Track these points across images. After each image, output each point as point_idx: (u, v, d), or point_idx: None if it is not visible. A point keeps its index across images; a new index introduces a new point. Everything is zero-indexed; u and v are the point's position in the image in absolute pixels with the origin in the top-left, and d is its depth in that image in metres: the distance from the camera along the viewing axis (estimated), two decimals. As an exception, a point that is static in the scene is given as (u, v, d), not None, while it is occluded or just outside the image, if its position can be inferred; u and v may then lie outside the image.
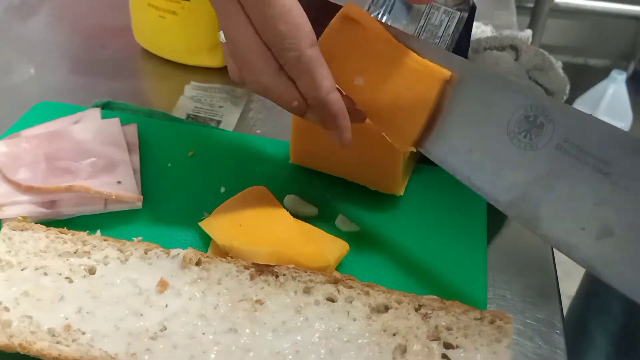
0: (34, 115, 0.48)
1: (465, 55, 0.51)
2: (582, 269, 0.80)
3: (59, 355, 0.28)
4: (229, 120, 0.52)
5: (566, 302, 0.79)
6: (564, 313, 0.77)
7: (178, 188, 0.42)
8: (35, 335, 0.29)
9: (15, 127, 0.46)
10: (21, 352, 0.28)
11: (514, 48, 0.53)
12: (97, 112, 0.46)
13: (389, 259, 0.37)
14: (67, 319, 0.29)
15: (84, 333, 0.29)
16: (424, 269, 0.36)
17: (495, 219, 0.42)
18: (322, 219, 0.40)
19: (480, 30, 0.61)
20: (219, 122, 0.51)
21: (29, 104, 0.49)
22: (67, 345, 0.28)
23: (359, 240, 0.38)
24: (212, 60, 0.57)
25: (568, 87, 0.62)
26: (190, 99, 0.54)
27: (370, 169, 0.40)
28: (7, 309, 0.30)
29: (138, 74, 0.59)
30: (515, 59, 0.53)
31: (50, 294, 0.30)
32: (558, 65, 0.56)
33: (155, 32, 0.58)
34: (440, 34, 0.50)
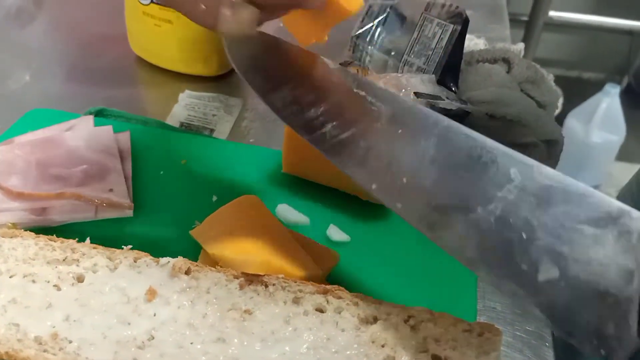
0: (27, 122, 0.48)
1: (458, 68, 0.52)
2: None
3: (46, 364, 0.28)
4: (222, 128, 0.52)
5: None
6: None
7: (170, 196, 0.42)
8: (22, 344, 0.28)
9: (8, 134, 0.46)
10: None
11: (506, 61, 0.54)
12: (90, 119, 0.46)
13: (379, 270, 0.37)
14: (54, 327, 0.29)
15: (70, 342, 0.29)
16: (414, 279, 0.36)
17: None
18: (314, 229, 0.40)
19: (474, 43, 0.61)
20: (212, 130, 0.51)
21: (23, 111, 0.49)
22: (54, 354, 0.28)
23: (349, 250, 0.38)
24: (207, 69, 0.58)
25: (561, 100, 0.62)
26: (184, 107, 0.54)
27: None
28: (-6, 317, 0.29)
29: (133, 82, 0.59)
30: (508, 72, 0.53)
31: (38, 302, 0.30)
32: (550, 78, 0.57)
33: (151, 41, 0.58)
34: (433, 46, 0.50)
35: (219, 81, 0.58)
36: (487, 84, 0.52)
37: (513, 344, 0.36)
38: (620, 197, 0.72)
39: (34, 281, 0.31)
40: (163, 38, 0.56)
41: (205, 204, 0.41)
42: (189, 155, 0.46)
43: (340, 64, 0.47)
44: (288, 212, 0.41)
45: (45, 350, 0.28)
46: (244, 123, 0.53)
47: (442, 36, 0.50)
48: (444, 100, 0.43)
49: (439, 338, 0.30)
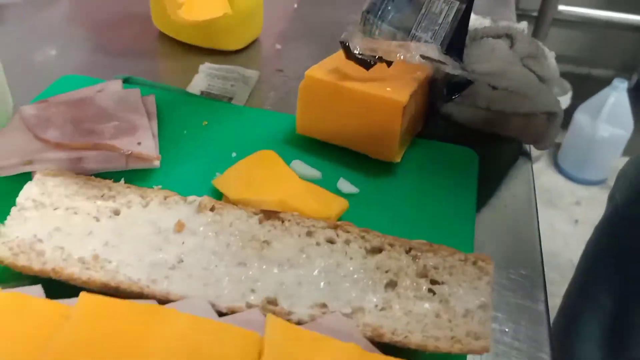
0: (59, 86, 0.51)
1: (463, 43, 0.55)
2: (572, 269, 0.81)
3: (88, 279, 0.31)
4: (240, 97, 0.55)
5: (557, 302, 0.81)
6: (557, 310, 0.79)
7: (192, 152, 0.45)
8: (66, 262, 0.32)
9: (42, 96, 0.49)
10: (53, 277, 0.32)
11: (510, 37, 0.57)
12: (118, 82, 0.50)
13: (385, 217, 0.40)
14: (95, 250, 0.33)
15: (110, 262, 0.32)
16: (417, 224, 0.40)
17: (484, 188, 0.45)
18: (325, 182, 0.43)
19: (479, 22, 0.64)
20: (230, 98, 0.55)
21: (51, 81, 0.52)
22: (96, 272, 0.32)
23: (358, 200, 0.42)
24: (226, 44, 0.61)
25: (569, 95, 0.64)
26: (204, 77, 0.57)
27: (369, 138, 0.44)
28: (41, 241, 0.33)
29: (156, 56, 0.63)
30: (510, 47, 0.56)
31: (80, 230, 0.34)
32: (551, 54, 0.59)
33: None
34: (440, 21, 0.53)
35: (237, 55, 0.62)
36: (490, 57, 0.55)
37: (507, 286, 0.39)
38: (619, 177, 0.75)
39: (75, 213, 0.35)
40: (185, 13, 0.60)
41: (225, 158, 0.45)
42: (210, 117, 0.49)
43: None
44: (301, 167, 0.44)
45: (88, 268, 0.32)
46: (260, 93, 0.57)
47: (448, 13, 0.53)
48: (448, 65, 0.46)
49: (437, 266, 0.33)
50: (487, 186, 0.46)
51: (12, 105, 0.49)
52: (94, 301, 0.27)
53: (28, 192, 0.36)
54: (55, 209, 0.35)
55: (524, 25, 0.62)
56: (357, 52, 0.41)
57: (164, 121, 0.48)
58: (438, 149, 0.47)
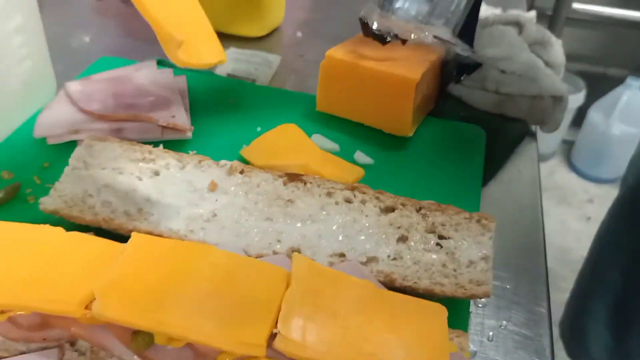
0: (99, 66, 0.56)
1: (474, 30, 0.58)
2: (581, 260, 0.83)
3: (134, 228, 0.35)
4: (263, 80, 0.59)
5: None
6: (569, 294, 0.81)
7: (221, 126, 0.49)
8: (114, 214, 0.36)
9: (84, 74, 0.54)
10: (103, 226, 0.36)
11: (518, 24, 0.60)
12: (153, 63, 0.54)
13: (398, 184, 0.44)
14: (139, 204, 0.37)
15: (152, 214, 0.36)
16: (427, 193, 0.43)
17: (491, 163, 0.49)
18: (343, 154, 0.47)
19: (491, 12, 0.68)
20: (254, 80, 0.59)
21: (86, 64, 0.57)
22: (140, 223, 0.36)
23: (373, 170, 0.45)
24: (249, 31, 0.65)
25: (583, 92, 0.66)
26: (230, 61, 0.61)
27: (384, 113, 0.47)
28: (91, 196, 0.37)
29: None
30: (519, 34, 0.60)
31: (125, 187, 0.38)
32: (558, 42, 0.63)
33: (201, 5, 0.66)
34: (452, 8, 0.57)
35: (260, 41, 0.66)
36: (499, 43, 0.58)
37: (510, 248, 0.42)
38: (632, 160, 0.77)
39: (120, 173, 0.39)
40: (212, 2, 0.64)
41: (251, 132, 0.49)
42: (236, 96, 0.53)
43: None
44: (321, 140, 0.48)
45: (133, 220, 0.36)
46: (281, 75, 0.61)
47: (460, 1, 0.57)
48: (458, 46, 0.50)
49: (444, 223, 0.36)
50: (494, 161, 0.49)
51: (55, 83, 0.53)
52: (144, 239, 0.31)
53: (79, 155, 0.40)
54: (102, 169, 0.39)
55: (532, 14, 0.65)
56: (374, 28, 0.45)
57: (195, 99, 0.52)
58: (448, 126, 0.51)
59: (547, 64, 0.60)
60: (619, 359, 0.74)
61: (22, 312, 0.28)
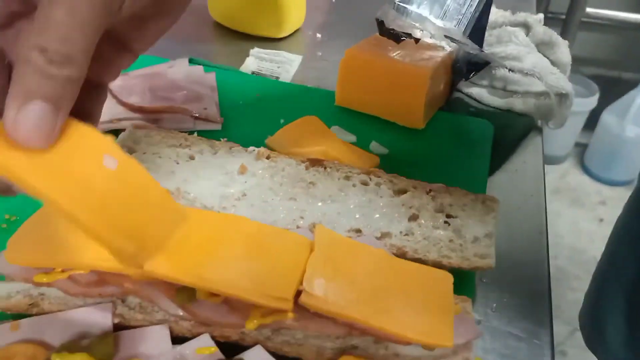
0: (136, 64, 0.60)
1: (483, 32, 0.62)
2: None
3: (173, 205, 0.40)
4: (285, 77, 0.64)
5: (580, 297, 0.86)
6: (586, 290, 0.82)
7: (247, 118, 0.54)
8: (155, 192, 0.41)
9: (123, 71, 0.58)
10: (145, 203, 0.40)
11: (526, 25, 0.64)
12: (185, 61, 0.59)
13: (410, 171, 0.47)
14: (177, 184, 0.41)
15: (189, 193, 0.41)
16: (437, 179, 0.47)
17: (498, 155, 0.52)
18: (359, 144, 0.51)
19: (500, 14, 0.71)
20: (277, 78, 0.63)
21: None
22: (178, 200, 0.40)
23: (387, 159, 0.49)
24: (272, 32, 0.70)
25: (597, 96, 0.68)
26: (254, 60, 0.66)
27: (399, 106, 0.51)
28: (134, 176, 0.42)
29: (212, 42, 0.72)
30: (527, 35, 0.63)
31: (164, 169, 0.43)
32: (564, 43, 0.66)
33: (227, 8, 0.70)
34: (463, 11, 0.60)
35: (282, 41, 0.70)
36: (508, 43, 0.62)
37: (515, 225, 0.46)
38: None
39: (160, 157, 0.44)
40: (238, 6, 0.68)
41: (275, 124, 0.53)
42: (261, 91, 0.58)
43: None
44: (339, 131, 0.52)
45: (172, 197, 0.40)
46: (302, 74, 0.65)
47: (471, 3, 0.60)
48: (468, 45, 0.53)
49: (452, 204, 0.40)
50: (500, 153, 0.53)
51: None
52: (185, 211, 0.35)
53: (122, 141, 0.45)
54: (143, 153, 0.44)
55: (540, 16, 0.69)
56: (389, 28, 0.49)
57: (223, 94, 0.56)
58: (458, 119, 0.54)
59: (553, 63, 0.63)
60: (636, 349, 0.75)
61: (81, 271, 0.33)
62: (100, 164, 0.27)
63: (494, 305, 0.40)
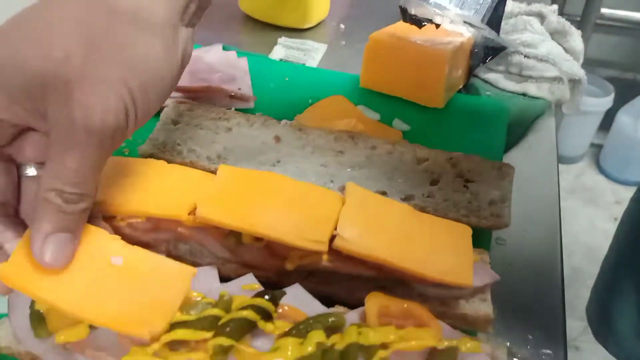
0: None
1: (500, 21, 0.65)
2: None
3: (215, 169, 0.43)
4: (311, 64, 0.67)
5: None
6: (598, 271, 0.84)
7: (278, 99, 0.58)
8: (198, 158, 0.45)
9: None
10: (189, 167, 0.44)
11: (540, 15, 0.67)
12: (219, 46, 0.63)
13: (431, 147, 0.51)
14: (217, 152, 0.45)
15: (228, 160, 0.45)
16: (455, 149, 0.50)
17: (513, 132, 0.55)
18: (383, 122, 0.54)
19: (517, 5, 0.74)
20: (304, 64, 0.67)
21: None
22: (217, 164, 0.44)
23: (409, 135, 0.53)
24: (298, 23, 0.74)
25: (612, 96, 0.69)
26: (282, 48, 0.70)
27: (420, 86, 0.55)
28: (179, 144, 0.46)
29: (242, 32, 0.76)
30: (541, 24, 0.66)
31: (205, 139, 0.47)
32: (577, 32, 0.69)
33: (256, 1, 0.75)
34: (481, 1, 0.64)
35: (307, 32, 0.74)
36: (523, 31, 0.65)
37: (528, 190, 0.49)
38: None
39: (201, 128, 0.48)
40: (266, -2, 0.73)
41: (304, 104, 0.57)
42: (290, 75, 0.62)
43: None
44: (364, 109, 0.55)
45: (214, 163, 0.44)
46: (328, 60, 0.69)
47: (488, -6, 0.64)
48: (485, 31, 0.57)
49: (471, 170, 0.44)
50: (515, 133, 0.56)
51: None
52: (229, 169, 0.39)
53: (167, 113, 0.49)
54: (186, 125, 0.48)
55: (554, 7, 0.72)
56: (412, 14, 0.53)
57: (254, 77, 0.60)
58: (475, 100, 0.58)
59: (566, 51, 0.66)
60: None
61: (139, 219, 0.37)
62: (109, 263, 0.32)
63: (510, 264, 0.43)
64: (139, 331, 0.29)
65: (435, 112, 0.55)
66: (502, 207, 0.41)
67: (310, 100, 0.57)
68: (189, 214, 0.36)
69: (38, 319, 0.32)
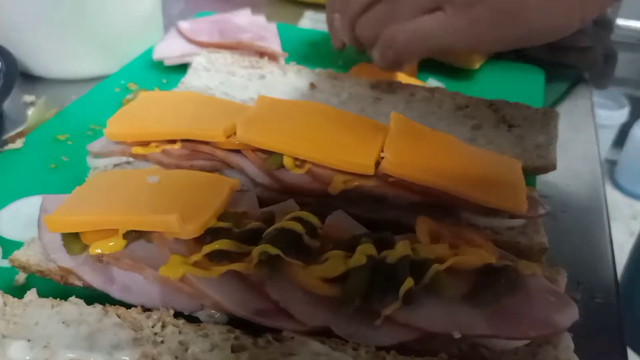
0: (200, 17, 0.64)
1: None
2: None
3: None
4: (338, 36, 0.67)
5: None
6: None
7: (309, 61, 0.57)
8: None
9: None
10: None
11: None
12: (248, 10, 0.62)
13: (467, 103, 0.50)
14: (250, 96, 0.44)
15: (263, 102, 0.43)
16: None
17: (550, 98, 0.54)
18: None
19: None
20: (331, 36, 0.66)
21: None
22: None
23: (443, 94, 0.51)
24: (324, -1, 0.74)
25: (627, 109, 0.68)
26: (309, 21, 0.70)
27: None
28: (211, 89, 0.45)
29: (269, 6, 0.76)
30: None
31: (238, 84, 0.45)
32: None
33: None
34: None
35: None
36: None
37: (570, 156, 0.47)
38: None
39: (233, 75, 0.47)
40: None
41: (335, 66, 0.56)
42: (316, 41, 0.61)
43: None
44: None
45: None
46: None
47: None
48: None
49: (514, 115, 0.42)
50: (551, 97, 0.55)
51: (162, 27, 0.62)
52: (267, 99, 0.38)
53: (199, 61, 0.48)
54: (218, 72, 0.47)
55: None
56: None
57: (284, 41, 0.60)
58: (510, 64, 0.57)
59: (595, 23, 0.65)
60: None
61: (174, 146, 0.35)
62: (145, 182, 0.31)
63: (556, 214, 0.41)
64: (171, 227, 0.27)
65: (470, 73, 0.54)
66: (549, 150, 0.39)
67: (340, 62, 0.56)
68: (227, 137, 0.34)
69: (71, 234, 0.30)
